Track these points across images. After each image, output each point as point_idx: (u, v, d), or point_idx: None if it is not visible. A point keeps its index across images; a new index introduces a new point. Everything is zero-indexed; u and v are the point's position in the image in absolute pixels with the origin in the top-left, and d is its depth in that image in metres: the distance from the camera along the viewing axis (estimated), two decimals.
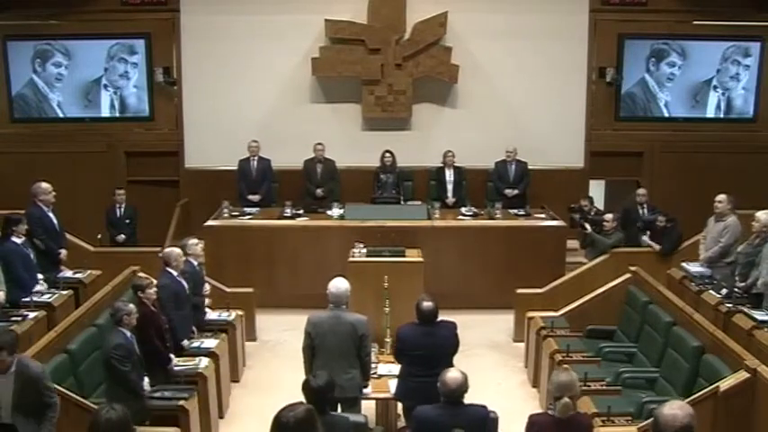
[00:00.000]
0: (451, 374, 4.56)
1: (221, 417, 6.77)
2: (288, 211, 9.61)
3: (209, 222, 9.45)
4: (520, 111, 11.02)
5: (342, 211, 9.65)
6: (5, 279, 7.08)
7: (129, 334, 5.61)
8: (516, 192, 10.47)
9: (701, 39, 11.09)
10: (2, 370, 4.76)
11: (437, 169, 10.65)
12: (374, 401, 6.12)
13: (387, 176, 10.48)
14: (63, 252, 8.23)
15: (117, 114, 11.25)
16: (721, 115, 11.39)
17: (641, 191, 9.76)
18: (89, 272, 8.18)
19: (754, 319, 6.62)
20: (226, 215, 9.68)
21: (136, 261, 7.83)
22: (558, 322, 7.38)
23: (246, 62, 10.85)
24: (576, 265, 9.30)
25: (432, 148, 10.79)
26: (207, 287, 7.50)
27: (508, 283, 8.72)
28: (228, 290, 8.26)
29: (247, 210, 9.93)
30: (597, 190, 11.40)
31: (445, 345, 5.62)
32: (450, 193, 10.48)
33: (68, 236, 8.61)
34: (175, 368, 6.22)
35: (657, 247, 8.95)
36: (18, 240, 7.41)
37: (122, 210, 9.89)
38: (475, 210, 9.89)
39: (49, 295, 7.36)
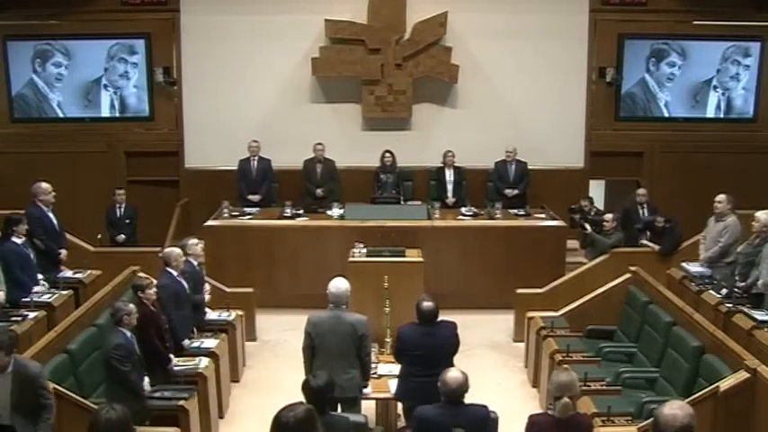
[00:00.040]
0: (452, 374, 4.56)
1: (221, 417, 6.77)
2: (288, 211, 9.61)
3: (209, 222, 9.45)
4: (520, 111, 11.02)
5: (342, 211, 9.65)
6: (5, 279, 7.08)
7: (129, 334, 5.61)
8: (516, 192, 10.47)
9: (701, 39, 11.10)
10: None
11: (437, 169, 10.65)
12: (374, 401, 6.12)
13: (387, 176, 10.48)
14: (63, 252, 8.23)
15: (117, 114, 11.25)
16: (721, 115, 11.39)
17: (641, 191, 9.77)
18: (89, 272, 8.19)
19: (754, 319, 6.62)
20: (226, 215, 9.68)
21: (136, 261, 7.83)
22: (558, 322, 7.38)
23: (246, 62, 10.85)
24: (576, 265, 9.29)
25: (432, 148, 10.79)
26: (207, 287, 7.50)
27: (508, 283, 8.72)
28: (228, 290, 8.25)
29: (247, 210, 9.93)
30: (597, 190, 11.40)
31: (445, 345, 5.62)
32: (450, 193, 10.48)
33: (68, 236, 8.61)
34: (175, 368, 6.22)
35: (657, 247, 8.95)
36: (18, 240, 7.41)
37: (122, 210, 9.89)
38: (475, 210, 9.89)
39: (49, 295, 7.36)
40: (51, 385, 5.19)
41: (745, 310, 6.88)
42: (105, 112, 11.24)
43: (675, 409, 3.44)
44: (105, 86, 11.15)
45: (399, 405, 5.98)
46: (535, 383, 7.38)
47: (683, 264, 8.37)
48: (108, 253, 9.17)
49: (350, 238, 8.58)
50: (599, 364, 6.63)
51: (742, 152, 11.04)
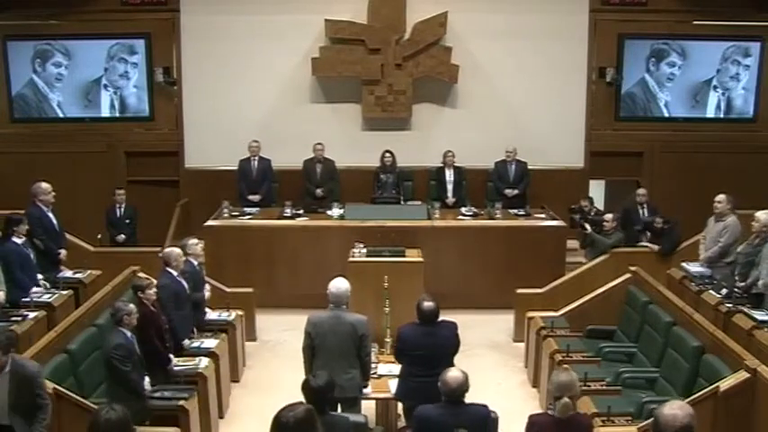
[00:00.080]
0: (452, 374, 4.56)
1: (221, 417, 6.77)
2: (288, 211, 9.61)
3: (209, 222, 9.45)
4: (520, 111, 11.02)
5: (342, 211, 9.65)
6: (5, 279, 7.08)
7: (129, 334, 5.61)
8: (516, 192, 10.47)
9: (701, 39, 11.09)
10: None
11: (437, 169, 10.65)
12: (374, 401, 6.12)
13: (387, 176, 10.48)
14: (63, 252, 8.23)
15: (117, 114, 11.25)
16: (721, 115, 11.39)
17: (641, 191, 9.77)
18: (89, 272, 8.19)
19: (754, 319, 6.62)
20: (226, 215, 9.68)
21: (136, 261, 7.83)
22: (558, 322, 7.38)
23: (246, 62, 10.85)
24: (576, 265, 9.30)
25: (432, 148, 10.79)
26: (207, 287, 7.50)
27: (508, 283, 8.72)
28: (228, 290, 8.25)
29: (247, 210, 9.93)
30: (597, 190, 11.40)
31: (446, 345, 5.62)
32: (450, 193, 10.48)
33: (68, 236, 8.62)
34: (175, 368, 6.22)
35: (656, 248, 8.95)
36: (19, 240, 7.41)
37: (122, 210, 9.89)
38: (475, 210, 9.89)
39: (49, 295, 7.36)
40: (51, 385, 5.20)
41: (745, 310, 6.88)
42: (105, 112, 11.24)
43: (675, 409, 3.44)
44: (105, 86, 11.15)
45: (399, 405, 5.98)
46: (535, 383, 7.38)
47: (683, 264, 8.37)
48: (108, 253, 9.17)
49: (350, 238, 8.58)
50: (599, 364, 6.63)
51: (742, 152, 11.04)
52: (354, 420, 4.79)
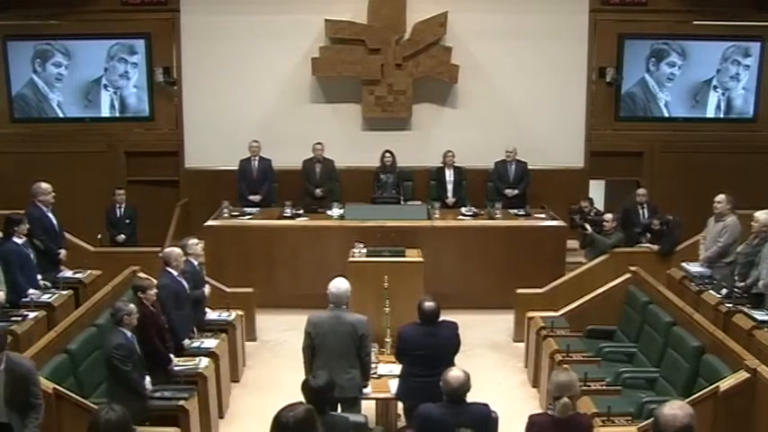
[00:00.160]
0: (454, 373, 4.57)
1: (221, 417, 6.77)
2: (288, 211, 9.61)
3: (209, 222, 9.45)
4: (520, 111, 11.02)
5: (342, 211, 9.65)
6: (5, 279, 7.07)
7: (129, 334, 5.61)
8: (516, 192, 10.47)
9: (701, 39, 11.10)
10: None
11: (437, 169, 10.65)
12: (374, 401, 6.12)
13: (387, 176, 10.48)
14: (62, 252, 8.23)
15: (117, 114, 11.25)
16: (721, 115, 11.40)
17: (641, 191, 9.76)
18: (89, 272, 8.20)
19: (754, 319, 6.62)
20: (226, 215, 9.68)
21: (136, 261, 7.83)
22: (558, 322, 7.38)
23: (246, 62, 10.85)
24: (575, 265, 9.29)
25: (432, 148, 10.79)
26: (207, 287, 7.50)
27: (508, 283, 8.72)
28: (228, 290, 8.25)
29: (247, 210, 9.93)
30: (597, 190, 11.41)
31: (447, 345, 5.62)
32: (450, 193, 10.48)
33: (68, 236, 8.62)
34: (175, 368, 6.22)
35: (656, 248, 8.95)
36: (19, 241, 7.41)
37: (122, 210, 9.89)
38: (475, 210, 9.89)
39: (48, 295, 7.36)
40: (51, 385, 5.20)
41: (745, 310, 6.88)
42: (105, 112, 11.24)
43: (675, 409, 3.44)
44: (105, 86, 11.15)
45: (399, 405, 5.98)
46: (535, 383, 7.38)
47: (683, 264, 8.37)
48: (108, 253, 9.17)
49: (350, 238, 8.58)
50: (599, 364, 6.63)
51: (742, 152, 11.04)
52: (354, 420, 4.79)
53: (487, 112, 11.00)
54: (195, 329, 7.02)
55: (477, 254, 9.29)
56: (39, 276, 7.58)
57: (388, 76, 10.77)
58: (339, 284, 5.73)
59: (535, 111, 11.01)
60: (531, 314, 7.77)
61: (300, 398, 4.17)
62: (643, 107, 11.34)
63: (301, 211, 9.69)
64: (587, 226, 9.28)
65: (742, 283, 7.36)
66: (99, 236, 9.81)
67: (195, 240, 7.43)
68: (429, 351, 5.52)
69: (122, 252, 9.23)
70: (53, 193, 8.19)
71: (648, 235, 9.14)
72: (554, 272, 8.93)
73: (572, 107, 11.09)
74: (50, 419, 5.10)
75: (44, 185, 8.16)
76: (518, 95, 11.01)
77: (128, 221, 9.88)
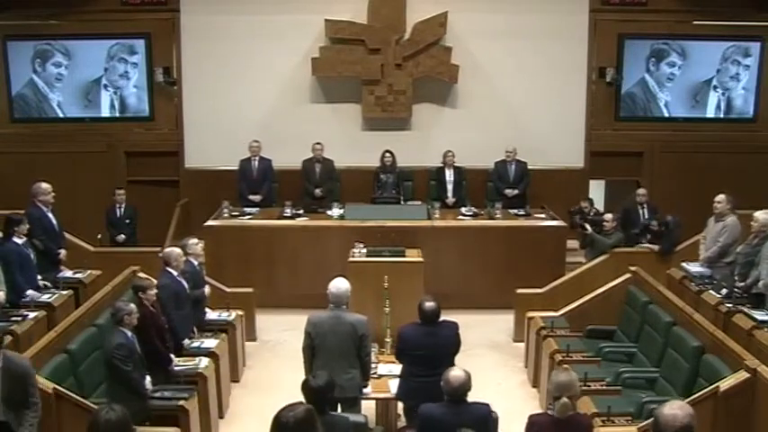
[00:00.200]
0: (454, 373, 4.58)
1: (221, 417, 6.77)
2: (288, 211, 9.61)
3: (209, 222, 9.45)
4: (520, 111, 11.02)
5: (342, 211, 9.65)
6: (5, 279, 7.07)
7: (129, 334, 5.61)
8: (516, 192, 10.47)
9: (701, 39, 11.10)
10: None
11: (437, 169, 10.65)
12: (374, 401, 6.12)
13: (387, 176, 10.48)
14: (62, 252, 8.23)
15: (117, 114, 11.25)
16: (721, 115, 11.39)
17: (641, 191, 9.77)
18: (89, 272, 8.20)
19: (754, 319, 6.62)
20: (226, 215, 9.68)
21: (136, 261, 7.83)
22: (558, 322, 7.38)
23: (246, 62, 10.85)
24: (575, 265, 9.29)
25: (432, 148, 10.79)
26: (207, 287, 7.50)
27: (508, 283, 8.72)
28: (228, 290, 8.25)
29: (247, 210, 9.93)
30: (597, 190, 11.41)
31: (447, 345, 5.63)
32: (450, 193, 10.48)
33: (68, 236, 8.62)
34: (175, 368, 6.22)
35: (656, 248, 8.94)
36: (19, 241, 7.41)
37: (122, 210, 9.89)
38: (475, 210, 9.89)
39: (48, 295, 7.36)
40: (51, 385, 5.20)
41: (745, 310, 6.88)
42: (105, 112, 11.24)
43: (675, 409, 3.44)
44: (105, 86, 11.15)
45: (399, 405, 5.98)
46: (535, 383, 7.38)
47: (683, 264, 8.37)
48: (108, 253, 9.17)
49: (350, 238, 8.58)
50: (599, 364, 6.63)
51: (742, 152, 11.04)
52: (354, 420, 4.80)
53: (487, 112, 11.00)
54: (195, 329, 7.02)
55: (477, 254, 9.29)
56: (38, 277, 7.57)
57: (388, 76, 10.77)
58: (339, 284, 5.73)
59: (535, 111, 11.01)
60: (531, 314, 7.77)
61: (300, 398, 4.17)
62: (643, 107, 11.34)
63: (301, 211, 9.69)
64: (587, 226, 9.28)
65: (742, 283, 7.36)
66: (99, 236, 9.81)
67: (195, 240, 7.43)
68: (429, 351, 5.52)
69: (122, 252, 9.23)
70: (53, 193, 8.19)
71: (649, 236, 9.13)
72: (554, 272, 8.92)
73: (572, 107, 11.09)
74: (50, 419, 5.11)
75: (44, 185, 8.16)
76: (518, 95, 11.01)
77: (128, 221, 9.88)
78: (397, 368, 5.97)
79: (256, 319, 8.54)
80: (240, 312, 7.80)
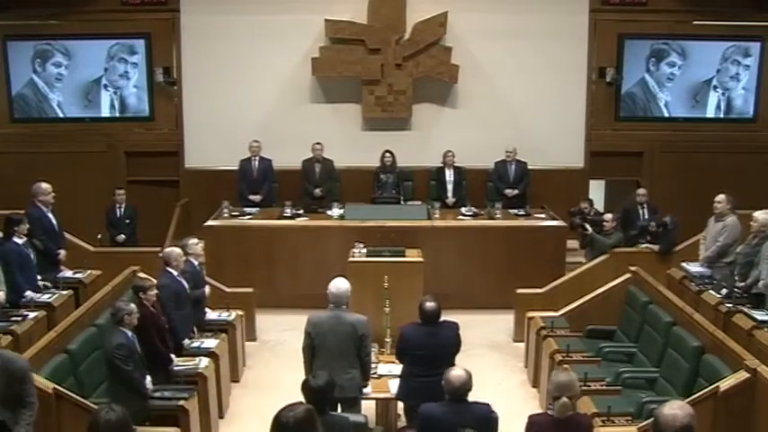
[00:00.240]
0: (456, 372, 4.58)
1: (221, 417, 6.77)
2: (288, 211, 9.61)
3: (209, 222, 9.45)
4: (520, 111, 11.02)
5: (342, 211, 9.65)
6: (5, 279, 7.07)
7: (130, 334, 5.61)
8: (516, 192, 10.47)
9: (701, 39, 11.10)
10: None
11: (437, 169, 10.65)
12: (374, 401, 6.12)
13: (387, 176, 10.48)
14: (62, 252, 8.23)
15: (117, 114, 11.25)
16: (721, 115, 11.39)
17: (641, 191, 9.76)
18: (89, 272, 8.20)
19: (754, 319, 6.62)
20: (226, 215, 9.68)
21: (136, 261, 7.83)
22: (558, 322, 7.38)
23: (246, 62, 10.85)
24: (575, 265, 9.29)
25: (432, 148, 10.79)
26: (207, 287, 7.50)
27: (508, 283, 8.72)
28: (228, 290, 8.25)
29: (247, 210, 9.93)
30: (597, 190, 11.41)
31: (448, 345, 5.63)
32: (450, 193, 10.48)
33: (68, 236, 8.62)
34: (175, 368, 6.22)
35: (656, 247, 8.94)
36: (19, 241, 7.41)
37: (122, 210, 9.89)
38: (475, 210, 9.89)
39: (48, 295, 7.36)
40: (51, 385, 5.19)
41: (745, 310, 6.89)
42: (105, 112, 11.24)
43: (675, 409, 3.44)
44: (105, 86, 11.15)
45: (399, 405, 5.98)
46: (535, 383, 7.38)
47: (683, 264, 8.38)
48: (108, 253, 9.17)
49: (350, 238, 8.59)
50: (599, 364, 6.63)
51: (742, 152, 11.04)
52: (354, 420, 4.79)
53: (487, 112, 10.99)
54: (195, 329, 7.02)
55: (477, 254, 9.29)
56: (38, 277, 7.57)
57: (388, 76, 10.77)
58: (339, 284, 5.73)
59: (535, 111, 11.01)
60: (531, 314, 7.77)
61: (300, 398, 4.18)
62: (643, 107, 11.34)
63: (301, 211, 9.69)
64: (587, 226, 9.28)
65: (742, 283, 7.37)
66: (99, 236, 9.81)
67: (195, 240, 7.43)
68: (430, 351, 5.52)
69: (122, 252, 9.23)
70: (53, 193, 8.19)
71: (648, 237, 9.12)
72: (554, 272, 8.93)
73: (572, 107, 11.09)
74: (50, 419, 5.11)
75: (44, 185, 8.16)
76: (518, 95, 11.01)
77: (128, 221, 9.88)
78: (396, 368, 5.98)
79: (256, 319, 8.54)
80: (240, 312, 7.79)
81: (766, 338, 6.28)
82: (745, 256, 7.51)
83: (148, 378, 5.71)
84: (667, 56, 11.18)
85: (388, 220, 9.37)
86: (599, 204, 10.49)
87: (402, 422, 5.99)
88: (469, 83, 10.91)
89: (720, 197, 8.15)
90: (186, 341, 6.72)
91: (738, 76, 11.26)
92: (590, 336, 7.31)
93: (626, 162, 11.36)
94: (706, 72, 11.25)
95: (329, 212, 9.70)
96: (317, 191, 10.36)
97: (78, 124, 11.18)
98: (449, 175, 10.55)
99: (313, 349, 5.67)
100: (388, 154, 10.55)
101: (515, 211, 9.94)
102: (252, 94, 10.93)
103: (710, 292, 7.49)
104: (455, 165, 10.54)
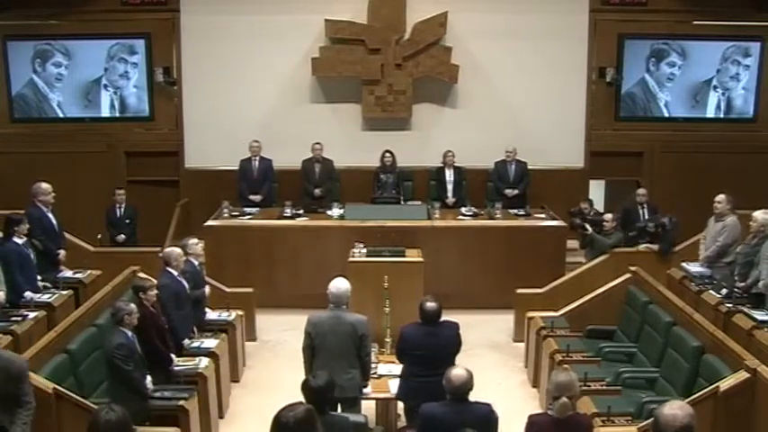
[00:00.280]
0: (456, 372, 4.58)
1: (221, 417, 6.77)
2: (288, 211, 9.61)
3: (209, 222, 9.45)
4: (520, 111, 11.03)
5: (342, 211, 9.65)
6: (5, 279, 7.07)
7: (130, 334, 5.61)
8: (516, 192, 10.47)
9: (701, 39, 11.10)
10: None
11: (437, 169, 10.65)
12: (374, 401, 6.12)
13: (387, 176, 10.48)
14: (62, 252, 8.22)
15: (117, 114, 11.25)
16: (721, 115, 11.40)
17: (641, 191, 9.77)
18: (89, 272, 8.19)
19: (754, 319, 6.62)
20: (226, 215, 9.68)
21: (136, 261, 7.82)
22: (558, 322, 7.38)
23: (246, 62, 10.85)
24: (575, 265, 9.29)
25: (432, 148, 10.79)
26: (207, 287, 7.49)
27: (508, 283, 8.72)
28: (228, 290, 8.25)
29: (247, 210, 9.94)
30: (597, 190, 11.41)
31: (448, 345, 5.63)
32: (450, 193, 10.48)
33: (68, 236, 8.62)
34: (175, 368, 6.22)
35: (656, 247, 8.93)
36: (20, 241, 7.41)
37: (122, 210, 9.90)
38: (475, 210, 9.89)
39: (48, 295, 7.36)
40: (51, 385, 5.19)
41: (745, 310, 6.88)
42: (105, 112, 11.24)
43: (675, 409, 3.44)
44: (105, 86, 11.15)
45: (400, 405, 5.98)
46: (535, 383, 7.37)
47: (683, 264, 8.37)
48: (108, 253, 9.17)
49: (350, 238, 8.58)
50: (599, 364, 6.63)
51: (742, 152, 11.04)
52: (354, 420, 4.79)
53: (487, 112, 11.00)
54: (195, 329, 7.02)
55: (477, 254, 9.29)
56: (38, 277, 7.57)
57: (388, 76, 10.77)
58: (339, 284, 5.73)
59: (535, 111, 11.01)
60: (531, 314, 7.77)
61: (300, 398, 4.18)
62: (643, 107, 11.34)
63: (301, 211, 9.69)
64: (587, 226, 9.27)
65: (742, 284, 7.36)
66: (99, 236, 9.81)
67: (195, 240, 7.43)
68: (430, 351, 5.52)
69: (122, 252, 9.23)
70: (53, 193, 8.19)
71: (647, 237, 9.11)
72: (554, 272, 8.92)
73: (572, 107, 11.09)
74: (50, 419, 5.11)
75: (44, 185, 8.16)
76: (518, 95, 11.01)
77: (128, 221, 9.89)
78: (397, 368, 5.98)
79: (256, 319, 8.54)
80: (240, 312, 7.79)
81: (766, 338, 6.28)
82: (744, 256, 7.50)
83: (148, 378, 5.71)
84: (667, 56, 11.18)
85: (388, 220, 9.37)
86: (599, 204, 10.50)
87: (402, 422, 5.99)
88: (469, 83, 10.91)
89: (720, 197, 8.15)
90: (186, 341, 6.72)
91: (738, 76, 11.26)
92: (590, 336, 7.31)
93: (626, 162, 11.36)
94: (706, 72, 11.25)
95: (329, 212, 9.70)
96: (317, 191, 10.36)
97: (78, 124, 11.18)
98: (449, 175, 10.55)
99: (313, 349, 5.67)
100: (388, 154, 10.55)
101: (515, 211, 9.94)
102: (252, 94, 10.94)
103: (710, 292, 7.48)
104: (455, 165, 10.55)
